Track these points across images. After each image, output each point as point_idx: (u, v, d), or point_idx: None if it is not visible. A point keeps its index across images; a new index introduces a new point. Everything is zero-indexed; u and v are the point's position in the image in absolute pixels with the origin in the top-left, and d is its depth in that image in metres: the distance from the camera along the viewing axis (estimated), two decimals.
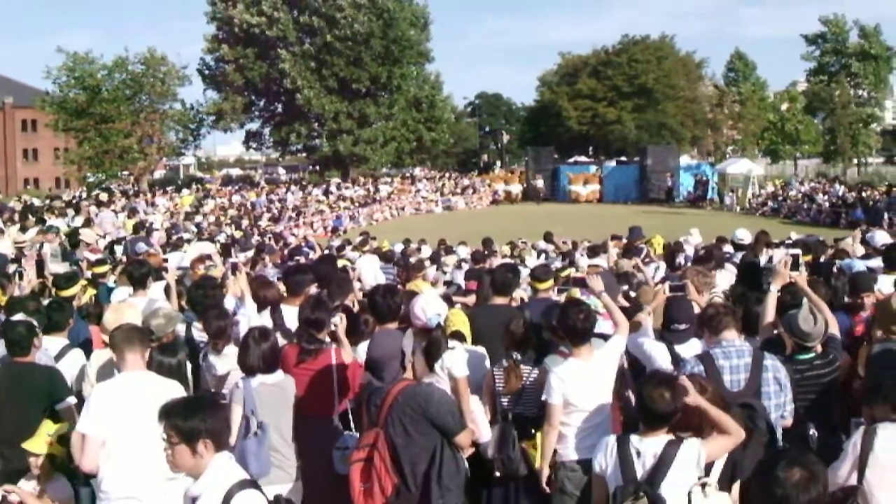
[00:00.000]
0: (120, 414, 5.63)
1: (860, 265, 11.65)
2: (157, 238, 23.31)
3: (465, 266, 16.87)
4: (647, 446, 5.17)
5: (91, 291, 11.39)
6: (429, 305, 6.78)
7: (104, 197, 39.86)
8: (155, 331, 7.63)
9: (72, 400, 7.08)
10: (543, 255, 20.50)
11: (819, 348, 6.80)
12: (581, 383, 6.40)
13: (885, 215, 37.43)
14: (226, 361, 7.62)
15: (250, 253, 19.23)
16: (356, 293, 10.91)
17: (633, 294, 9.94)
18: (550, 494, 6.57)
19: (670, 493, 5.02)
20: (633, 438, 5.25)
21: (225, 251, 10.89)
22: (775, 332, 7.32)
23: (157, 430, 5.67)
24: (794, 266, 7.51)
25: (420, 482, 5.99)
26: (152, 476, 5.66)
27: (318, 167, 70.95)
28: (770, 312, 7.42)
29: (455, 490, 6.08)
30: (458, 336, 7.37)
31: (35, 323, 7.60)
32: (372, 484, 5.92)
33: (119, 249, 19.96)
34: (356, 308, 9.53)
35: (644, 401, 5.23)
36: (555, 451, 6.52)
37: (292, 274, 9.57)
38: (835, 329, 7.07)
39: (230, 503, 4.33)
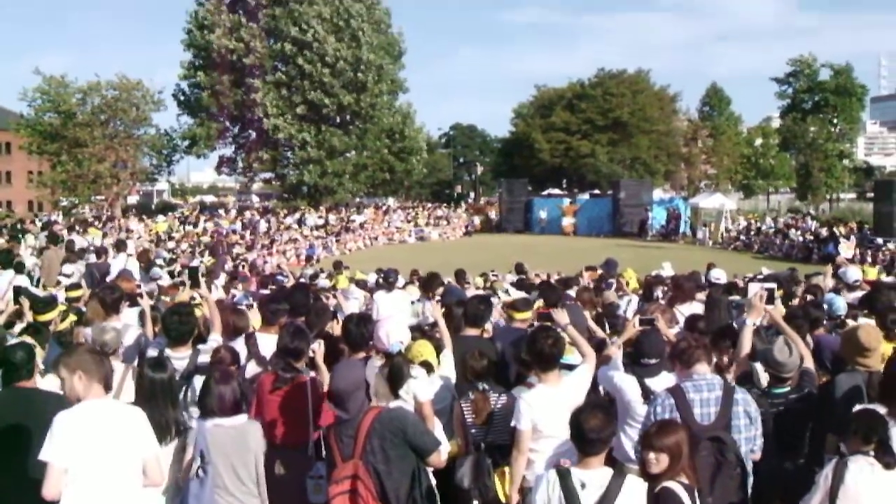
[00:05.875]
0: (83, 442, 5.56)
1: (840, 301, 11.74)
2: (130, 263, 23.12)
3: None
4: (592, 478, 5.20)
5: (72, 318, 11.21)
6: (393, 332, 6.82)
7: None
8: (110, 344, 7.60)
9: None
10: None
11: (795, 381, 6.86)
12: (550, 409, 6.44)
13: (857, 251, 37.70)
14: None
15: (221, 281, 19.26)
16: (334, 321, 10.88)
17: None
18: None
19: None
20: (575, 471, 5.27)
21: (193, 278, 10.70)
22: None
23: (119, 457, 5.65)
24: (770, 300, 7.59)
25: None
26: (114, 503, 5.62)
27: (290, 196, 70.39)
28: (746, 346, 7.48)
29: None
30: (426, 366, 7.41)
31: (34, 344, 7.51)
32: None
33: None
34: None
35: (577, 426, 5.28)
36: (524, 477, 6.53)
37: (268, 303, 9.55)
38: (810, 363, 7.14)
39: None
